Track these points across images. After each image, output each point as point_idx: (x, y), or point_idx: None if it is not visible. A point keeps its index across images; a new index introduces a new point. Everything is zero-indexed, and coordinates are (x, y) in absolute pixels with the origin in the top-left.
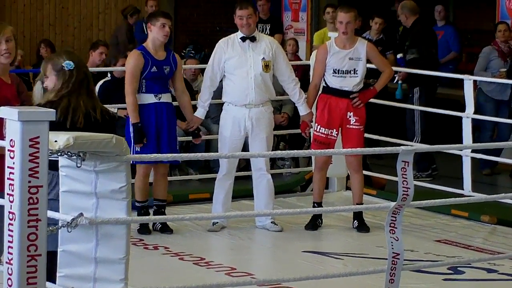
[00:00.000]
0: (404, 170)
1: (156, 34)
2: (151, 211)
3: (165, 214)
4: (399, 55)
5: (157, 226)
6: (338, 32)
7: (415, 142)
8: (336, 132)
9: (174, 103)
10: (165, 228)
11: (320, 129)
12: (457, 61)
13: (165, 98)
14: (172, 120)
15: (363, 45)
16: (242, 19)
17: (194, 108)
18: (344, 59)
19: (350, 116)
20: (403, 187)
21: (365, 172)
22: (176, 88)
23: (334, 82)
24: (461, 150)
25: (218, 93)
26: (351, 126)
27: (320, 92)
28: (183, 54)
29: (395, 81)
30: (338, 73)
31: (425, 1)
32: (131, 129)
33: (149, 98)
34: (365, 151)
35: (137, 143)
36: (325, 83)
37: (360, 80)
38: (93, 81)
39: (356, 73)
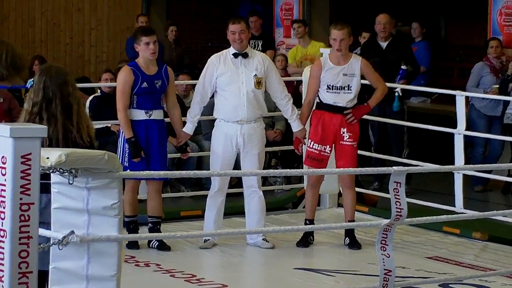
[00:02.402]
0: (397, 190)
1: (143, 53)
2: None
3: (160, 231)
4: (403, 67)
5: (153, 244)
6: (332, 48)
7: (404, 156)
8: (330, 148)
9: (166, 120)
10: (162, 246)
11: (313, 145)
12: (428, 75)
13: (156, 115)
14: (162, 137)
15: (357, 61)
16: (235, 34)
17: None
18: (338, 75)
19: (343, 132)
20: (396, 207)
21: (356, 189)
22: (168, 102)
23: (328, 98)
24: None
25: (210, 109)
26: (344, 142)
27: (314, 108)
28: None
29: (396, 94)
30: (332, 89)
31: (408, 18)
32: (126, 145)
33: (140, 115)
34: (357, 171)
35: (134, 157)
36: (319, 99)
37: (354, 96)
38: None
39: (350, 89)
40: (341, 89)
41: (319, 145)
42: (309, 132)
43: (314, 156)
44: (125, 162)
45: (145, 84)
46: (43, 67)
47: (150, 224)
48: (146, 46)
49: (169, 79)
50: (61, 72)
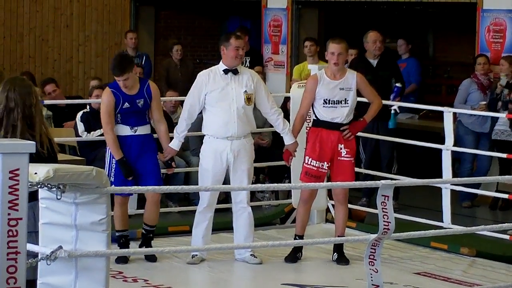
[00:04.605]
0: (384, 204)
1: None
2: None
3: (153, 239)
4: (398, 84)
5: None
6: (329, 63)
7: (393, 171)
8: (327, 165)
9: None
10: (150, 257)
11: (311, 162)
12: (418, 92)
13: (142, 130)
14: (150, 151)
15: (353, 76)
16: (238, 49)
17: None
18: (334, 89)
19: (341, 148)
20: (384, 221)
21: None
22: (153, 117)
23: (324, 113)
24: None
25: (198, 125)
26: (342, 158)
27: (310, 125)
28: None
29: (392, 112)
30: (329, 103)
31: (396, 35)
32: (113, 160)
33: (125, 130)
34: (344, 185)
35: (127, 177)
36: (315, 116)
37: (351, 110)
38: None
39: (347, 103)
40: (338, 103)
41: (317, 162)
42: (307, 149)
43: (312, 173)
44: (111, 177)
45: (126, 105)
46: (8, 78)
47: (143, 231)
48: (120, 82)
49: (151, 96)
50: (25, 84)
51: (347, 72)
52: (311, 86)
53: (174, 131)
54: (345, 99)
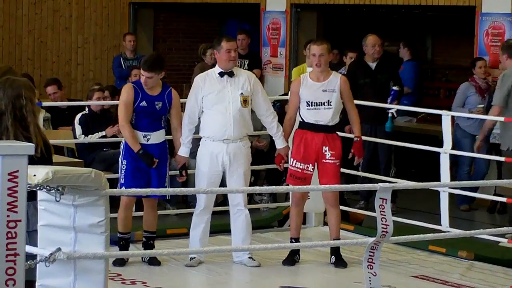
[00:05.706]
0: (382, 207)
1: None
2: (134, 245)
3: (154, 246)
4: (395, 88)
5: (145, 258)
6: (312, 65)
7: (391, 175)
8: (312, 167)
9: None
10: (152, 261)
11: (296, 164)
12: (414, 95)
13: (154, 138)
14: (162, 159)
15: (336, 78)
16: (230, 52)
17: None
18: (317, 91)
19: (325, 151)
20: (382, 224)
21: (342, 208)
22: (171, 124)
23: (308, 116)
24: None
25: (196, 128)
26: (326, 161)
27: (296, 127)
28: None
29: (390, 115)
30: (312, 105)
31: (395, 38)
32: (124, 162)
33: (138, 138)
34: (342, 187)
35: (150, 166)
36: (301, 118)
37: (335, 113)
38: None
39: (331, 105)
40: (321, 105)
41: (302, 164)
42: (292, 151)
43: (296, 175)
44: (122, 179)
45: (144, 103)
46: (0, 80)
47: (144, 238)
48: (143, 78)
49: (171, 102)
50: (16, 85)
51: (331, 74)
52: (295, 88)
53: (180, 139)
54: (328, 100)
